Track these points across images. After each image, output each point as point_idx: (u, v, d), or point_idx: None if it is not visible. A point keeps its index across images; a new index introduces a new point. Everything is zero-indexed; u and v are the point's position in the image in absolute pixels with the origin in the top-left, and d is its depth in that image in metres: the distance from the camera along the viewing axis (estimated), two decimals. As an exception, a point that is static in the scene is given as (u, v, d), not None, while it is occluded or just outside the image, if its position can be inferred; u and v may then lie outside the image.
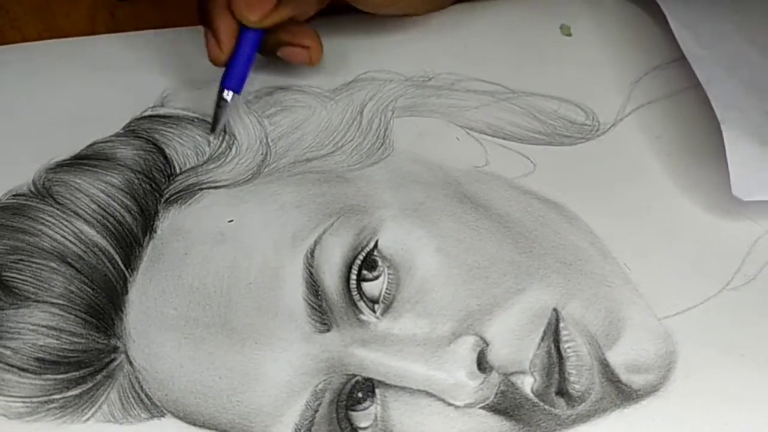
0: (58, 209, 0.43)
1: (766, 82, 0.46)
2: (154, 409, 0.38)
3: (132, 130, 0.46)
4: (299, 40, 0.47)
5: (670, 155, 0.46)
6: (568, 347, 0.38)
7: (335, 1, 0.48)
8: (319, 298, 0.39)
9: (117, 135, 0.46)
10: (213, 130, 0.45)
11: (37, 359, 0.38)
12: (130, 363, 0.39)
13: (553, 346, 0.39)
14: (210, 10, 0.45)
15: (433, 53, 0.50)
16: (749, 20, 0.49)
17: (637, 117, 0.48)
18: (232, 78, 0.45)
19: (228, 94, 0.45)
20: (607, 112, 0.48)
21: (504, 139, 0.47)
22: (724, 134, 0.43)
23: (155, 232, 0.42)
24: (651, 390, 0.38)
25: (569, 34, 0.52)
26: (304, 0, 0.47)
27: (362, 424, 0.37)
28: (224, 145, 0.46)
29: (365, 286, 0.40)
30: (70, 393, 0.38)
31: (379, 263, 0.40)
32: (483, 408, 0.37)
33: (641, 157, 0.46)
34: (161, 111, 0.47)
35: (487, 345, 0.38)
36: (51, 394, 0.38)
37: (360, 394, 0.38)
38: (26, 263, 0.41)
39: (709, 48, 0.47)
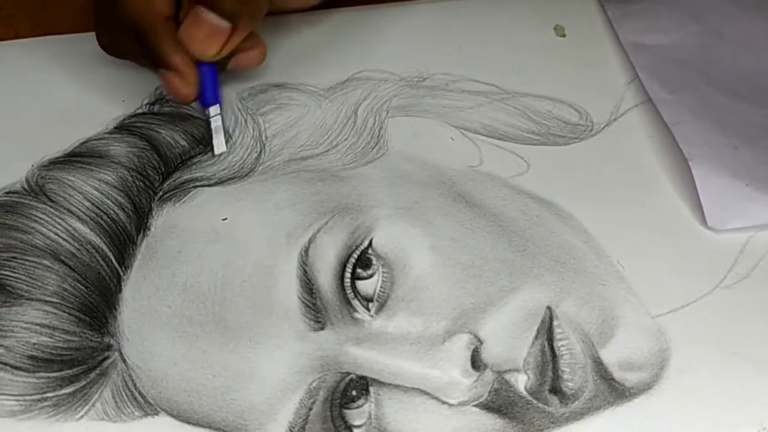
0: (51, 207, 0.42)
1: (732, 121, 0.46)
2: (147, 407, 0.38)
3: (126, 128, 0.46)
4: (244, 45, 0.45)
5: (663, 155, 0.46)
6: (562, 345, 0.39)
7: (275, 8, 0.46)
8: (314, 296, 0.39)
9: (110, 132, 0.46)
10: (225, 143, 0.45)
11: (31, 357, 0.38)
12: (124, 361, 0.38)
13: (546, 344, 0.39)
14: (162, 51, 0.42)
15: (428, 53, 0.50)
16: (715, 67, 0.49)
17: (630, 117, 0.48)
18: (209, 94, 0.44)
19: (214, 109, 0.44)
20: (600, 113, 0.48)
21: (498, 139, 0.47)
22: (693, 171, 0.44)
23: (149, 229, 0.42)
24: (644, 388, 0.38)
25: (563, 35, 0.52)
26: (255, 18, 0.44)
27: (356, 422, 0.37)
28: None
29: (359, 284, 0.40)
30: (63, 391, 0.38)
31: (374, 262, 0.40)
32: (476, 406, 0.37)
33: (635, 157, 0.46)
34: (155, 108, 0.47)
35: (481, 343, 0.38)
36: (44, 392, 0.37)
37: (354, 392, 0.38)
38: (19, 261, 0.41)
39: (676, 93, 0.48)
